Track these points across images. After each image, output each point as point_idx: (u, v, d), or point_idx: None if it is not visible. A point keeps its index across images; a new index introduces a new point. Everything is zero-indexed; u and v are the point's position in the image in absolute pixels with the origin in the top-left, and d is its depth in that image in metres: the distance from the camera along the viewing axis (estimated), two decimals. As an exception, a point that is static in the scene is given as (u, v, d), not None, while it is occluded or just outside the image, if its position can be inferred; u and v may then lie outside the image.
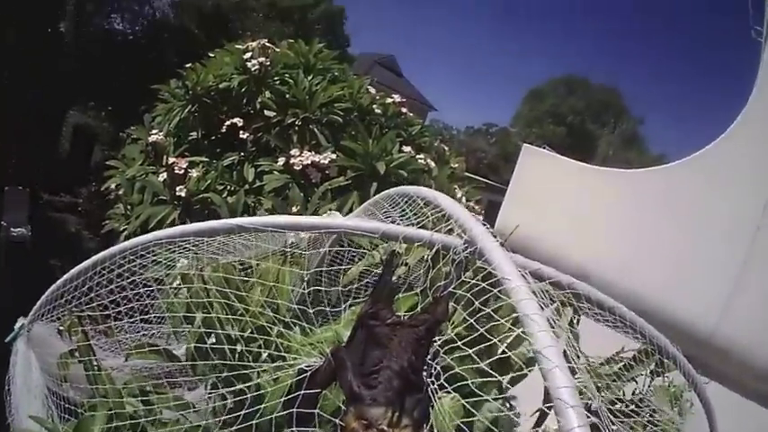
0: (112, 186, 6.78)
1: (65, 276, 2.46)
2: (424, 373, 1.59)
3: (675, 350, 2.47)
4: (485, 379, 1.64)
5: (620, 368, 2.55)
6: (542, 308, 1.44)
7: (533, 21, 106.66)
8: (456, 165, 7.64)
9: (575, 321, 2.34)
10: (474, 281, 1.60)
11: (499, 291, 1.49)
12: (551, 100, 55.58)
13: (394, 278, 2.13)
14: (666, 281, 5.29)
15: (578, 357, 2.29)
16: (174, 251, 2.26)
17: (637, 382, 2.59)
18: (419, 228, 1.96)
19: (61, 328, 2.61)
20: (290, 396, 1.74)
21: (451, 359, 1.59)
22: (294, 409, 1.65)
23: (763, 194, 5.11)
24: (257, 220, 2.10)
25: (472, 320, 1.61)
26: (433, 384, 1.58)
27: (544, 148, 8.25)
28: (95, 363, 2.44)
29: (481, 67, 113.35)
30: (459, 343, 1.61)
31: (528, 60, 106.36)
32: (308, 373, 1.79)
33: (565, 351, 2.11)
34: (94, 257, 2.31)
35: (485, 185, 23.66)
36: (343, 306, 2.10)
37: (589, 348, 2.34)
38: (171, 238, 2.19)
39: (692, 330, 4.99)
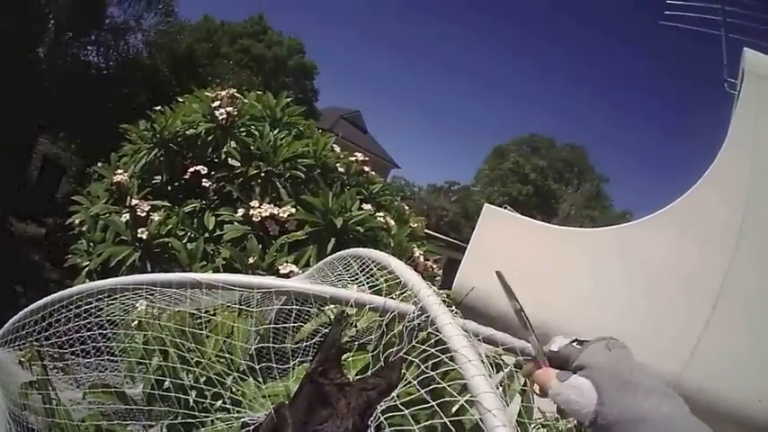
0: (76, 222, 6.72)
1: (26, 309, 2.47)
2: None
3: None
4: None
5: (574, 425, 2.56)
6: (490, 372, 1.44)
7: (499, 80, 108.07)
8: (416, 224, 7.67)
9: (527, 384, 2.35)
10: (424, 347, 1.60)
11: (449, 357, 1.49)
12: (515, 158, 56.08)
13: (345, 338, 2.14)
14: (631, 336, 5.31)
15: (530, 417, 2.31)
16: (132, 296, 2.26)
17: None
18: (373, 292, 1.97)
19: (22, 359, 2.61)
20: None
21: (401, 418, 1.59)
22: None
23: (727, 250, 5.18)
24: (211, 276, 2.11)
25: (415, 383, 1.62)
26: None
27: (505, 207, 8.32)
28: (54, 397, 2.44)
29: (445, 126, 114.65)
30: (404, 405, 1.61)
31: (492, 119, 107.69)
32: (251, 428, 1.78)
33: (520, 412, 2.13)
34: (52, 296, 2.33)
35: (445, 243, 23.76)
36: (292, 363, 2.10)
37: (549, 407, 2.36)
38: (126, 285, 2.20)
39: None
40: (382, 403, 1.56)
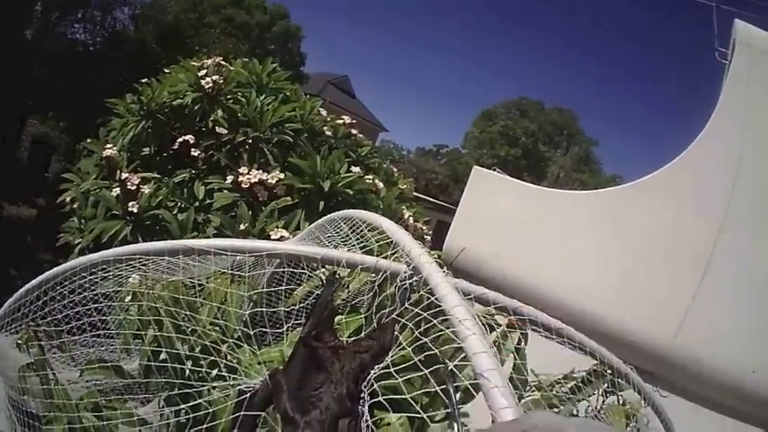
0: (67, 200, 6.69)
1: (20, 290, 2.50)
2: (364, 397, 1.56)
3: (628, 369, 2.51)
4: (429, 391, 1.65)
5: (570, 388, 2.58)
6: (484, 332, 1.44)
7: (487, 43, 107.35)
8: (405, 186, 7.69)
9: (522, 344, 2.35)
10: (417, 310, 1.60)
11: (443, 318, 1.49)
12: (503, 122, 55.89)
13: (338, 300, 2.14)
14: (621, 300, 5.33)
15: (526, 379, 2.32)
16: (125, 268, 2.26)
17: (589, 402, 2.61)
18: (364, 253, 1.97)
19: (19, 341, 2.59)
20: (230, 416, 1.73)
21: (397, 380, 1.59)
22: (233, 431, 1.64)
23: (718, 213, 5.21)
24: (202, 242, 2.11)
25: (410, 347, 1.61)
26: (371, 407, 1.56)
27: (494, 170, 8.28)
28: (52, 377, 2.44)
29: (433, 89, 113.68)
30: (398, 367, 1.61)
31: (481, 82, 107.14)
32: (248, 395, 1.77)
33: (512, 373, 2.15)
34: (46, 274, 2.35)
35: (434, 206, 23.76)
36: (286, 327, 2.10)
37: (543, 369, 2.38)
38: (119, 257, 2.20)
39: (650, 346, 5.06)
40: (376, 367, 1.56)
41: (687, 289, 5.15)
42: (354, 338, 1.78)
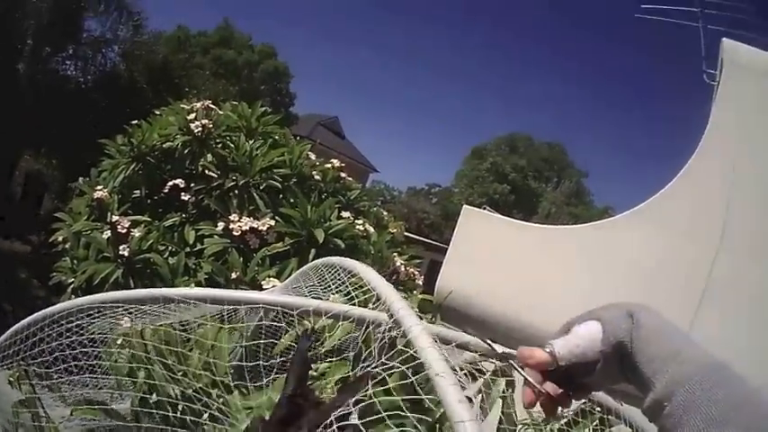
0: (60, 239, 6.73)
1: (12, 329, 2.52)
2: None
3: (618, 404, 2.51)
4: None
5: (561, 426, 2.57)
6: (464, 384, 1.45)
7: (475, 79, 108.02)
8: (395, 229, 7.70)
9: (507, 390, 2.34)
10: (394, 363, 1.60)
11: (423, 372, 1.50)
12: (493, 158, 56.07)
13: (323, 350, 2.14)
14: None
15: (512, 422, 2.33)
16: (115, 313, 2.28)
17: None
18: (347, 300, 1.98)
19: (11, 378, 2.61)
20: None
21: (382, 427, 1.59)
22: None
23: (714, 237, 5.20)
24: (182, 291, 2.13)
25: (397, 396, 1.62)
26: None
27: (484, 208, 8.31)
28: (43, 415, 2.45)
29: (423, 128, 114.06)
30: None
31: (470, 120, 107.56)
32: None
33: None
34: (36, 315, 2.38)
35: (426, 246, 23.79)
36: (267, 379, 2.11)
37: (533, 409, 2.38)
38: (102, 303, 2.22)
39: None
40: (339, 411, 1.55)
41: (684, 315, 5.13)
42: (333, 396, 1.77)
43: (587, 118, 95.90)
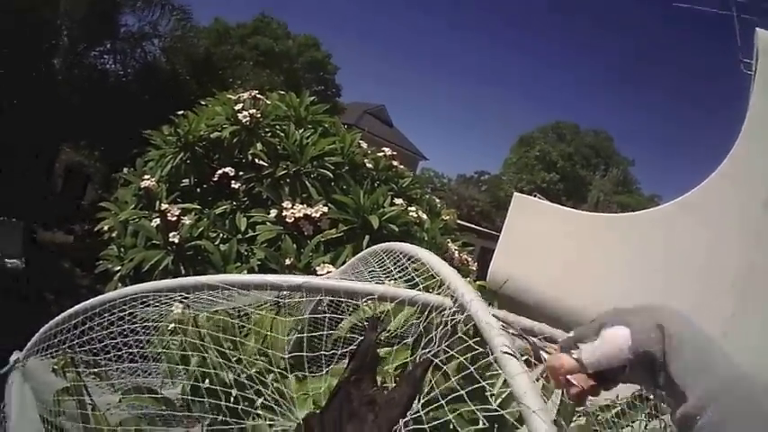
0: (105, 228, 6.75)
1: (59, 316, 2.49)
2: None
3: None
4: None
5: (615, 413, 2.56)
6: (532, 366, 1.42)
7: (522, 68, 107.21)
8: (447, 216, 7.66)
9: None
10: (457, 350, 1.57)
11: (487, 355, 1.46)
12: (540, 146, 55.73)
13: (384, 335, 2.11)
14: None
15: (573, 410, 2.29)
16: (167, 300, 2.27)
17: (633, 427, 2.58)
18: (407, 285, 1.95)
19: (55, 366, 2.60)
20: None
21: (443, 412, 1.56)
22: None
23: (754, 229, 5.09)
24: (243, 277, 2.11)
25: (456, 380, 1.58)
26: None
27: (535, 195, 8.25)
28: (89, 402, 2.44)
29: (471, 115, 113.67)
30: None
31: (517, 107, 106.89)
32: None
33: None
34: (85, 303, 2.33)
35: (477, 234, 23.68)
36: (332, 358, 2.10)
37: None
38: (157, 291, 2.20)
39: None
40: (408, 415, 1.52)
41: (725, 308, 5.03)
42: (391, 387, 1.74)
43: (630, 108, 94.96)
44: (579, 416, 2.45)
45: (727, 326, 4.94)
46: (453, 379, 1.56)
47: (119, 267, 6.08)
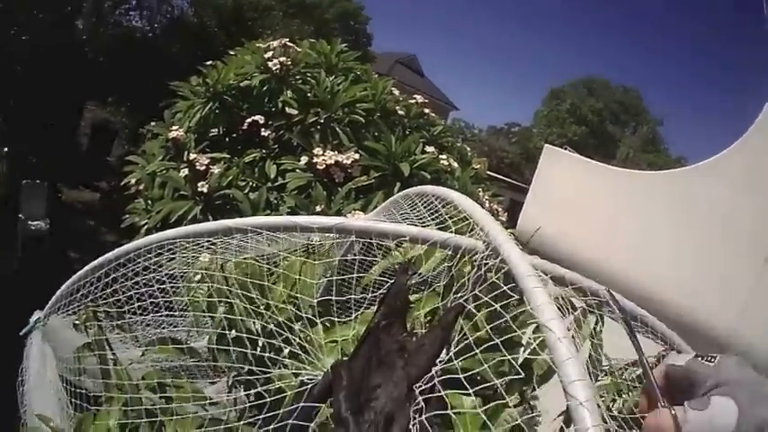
0: (132, 182, 6.79)
1: (82, 270, 2.46)
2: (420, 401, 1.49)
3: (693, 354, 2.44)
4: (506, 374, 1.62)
5: (638, 376, 2.54)
6: (563, 315, 1.41)
7: (553, 21, 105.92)
8: (478, 165, 7.61)
9: (597, 329, 2.29)
10: (488, 296, 1.55)
11: (520, 297, 1.45)
12: (571, 100, 55.40)
13: (414, 280, 2.09)
14: (687, 283, 5.20)
15: (600, 360, 2.28)
16: (194, 248, 2.26)
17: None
18: (439, 228, 1.93)
19: (77, 321, 2.59)
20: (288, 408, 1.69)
21: (471, 361, 1.55)
22: (290, 421, 1.59)
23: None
24: (272, 219, 2.08)
25: (485, 328, 1.57)
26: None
27: (565, 148, 8.18)
28: (111, 356, 2.45)
29: (501, 67, 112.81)
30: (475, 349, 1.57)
31: (548, 61, 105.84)
32: (309, 386, 1.72)
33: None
34: (108, 255, 2.30)
35: (507, 185, 23.62)
36: (356, 313, 2.10)
37: (612, 353, 2.32)
38: (184, 237, 2.18)
39: (713, 333, 4.93)
40: (437, 363, 1.50)
41: (751, 274, 4.98)
42: (422, 332, 1.72)
43: (660, 67, 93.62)
44: (605, 374, 2.44)
45: (751, 293, 4.89)
46: (486, 327, 1.56)
47: (145, 221, 6.11)
